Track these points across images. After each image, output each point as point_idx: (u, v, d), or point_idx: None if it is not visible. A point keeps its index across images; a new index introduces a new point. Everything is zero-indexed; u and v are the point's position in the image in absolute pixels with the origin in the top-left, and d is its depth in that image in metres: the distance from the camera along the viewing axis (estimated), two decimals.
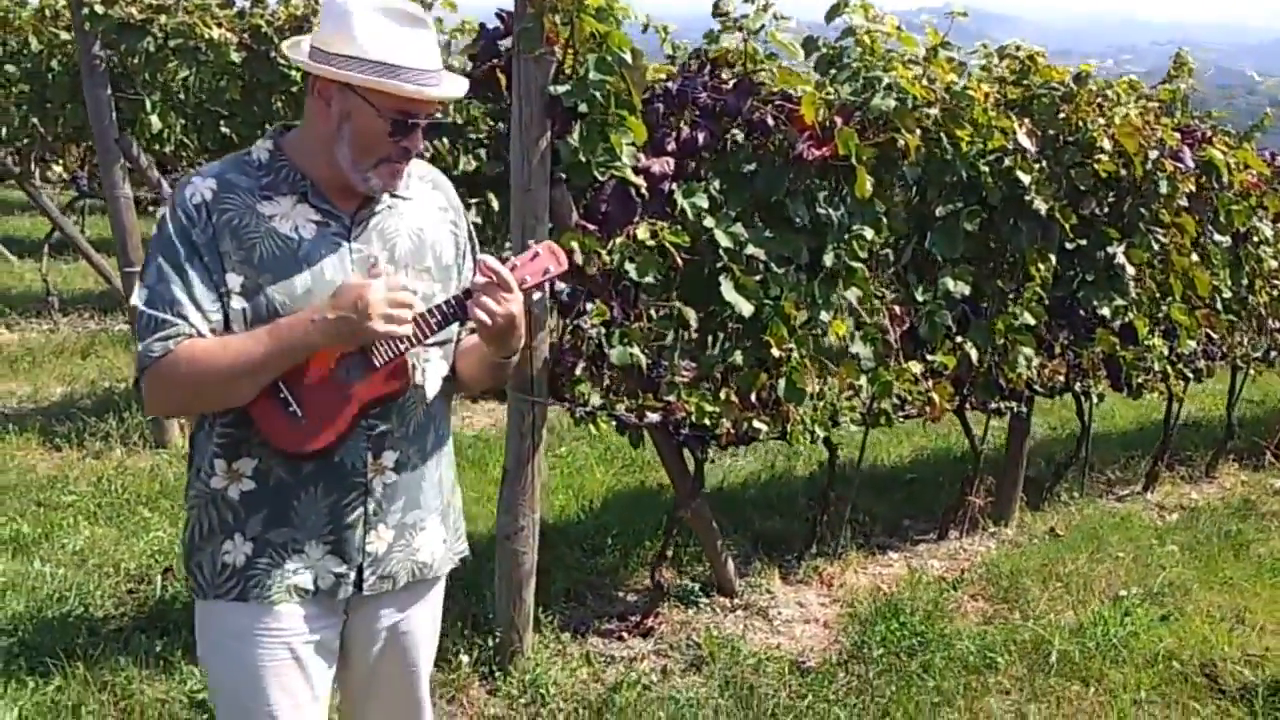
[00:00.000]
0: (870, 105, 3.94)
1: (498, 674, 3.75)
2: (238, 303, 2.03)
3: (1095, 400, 5.22)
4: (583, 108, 3.39)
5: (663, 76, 3.78)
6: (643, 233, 3.56)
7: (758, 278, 3.84)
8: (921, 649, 4.04)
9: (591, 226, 3.54)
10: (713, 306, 3.83)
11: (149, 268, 2.03)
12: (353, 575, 2.16)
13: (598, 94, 3.37)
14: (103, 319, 8.47)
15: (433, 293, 2.16)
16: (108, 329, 8.13)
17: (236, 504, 2.10)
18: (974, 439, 5.04)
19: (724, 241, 3.74)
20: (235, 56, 5.73)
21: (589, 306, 3.57)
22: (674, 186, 3.70)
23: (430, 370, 2.22)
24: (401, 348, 2.06)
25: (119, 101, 5.72)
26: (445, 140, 5.70)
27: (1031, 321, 4.68)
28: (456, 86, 2.14)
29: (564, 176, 3.48)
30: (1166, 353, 5.28)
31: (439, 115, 2.20)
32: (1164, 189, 4.80)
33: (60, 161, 10.37)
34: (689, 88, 3.74)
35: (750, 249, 3.81)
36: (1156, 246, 4.99)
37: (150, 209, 8.70)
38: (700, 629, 4.16)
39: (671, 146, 3.71)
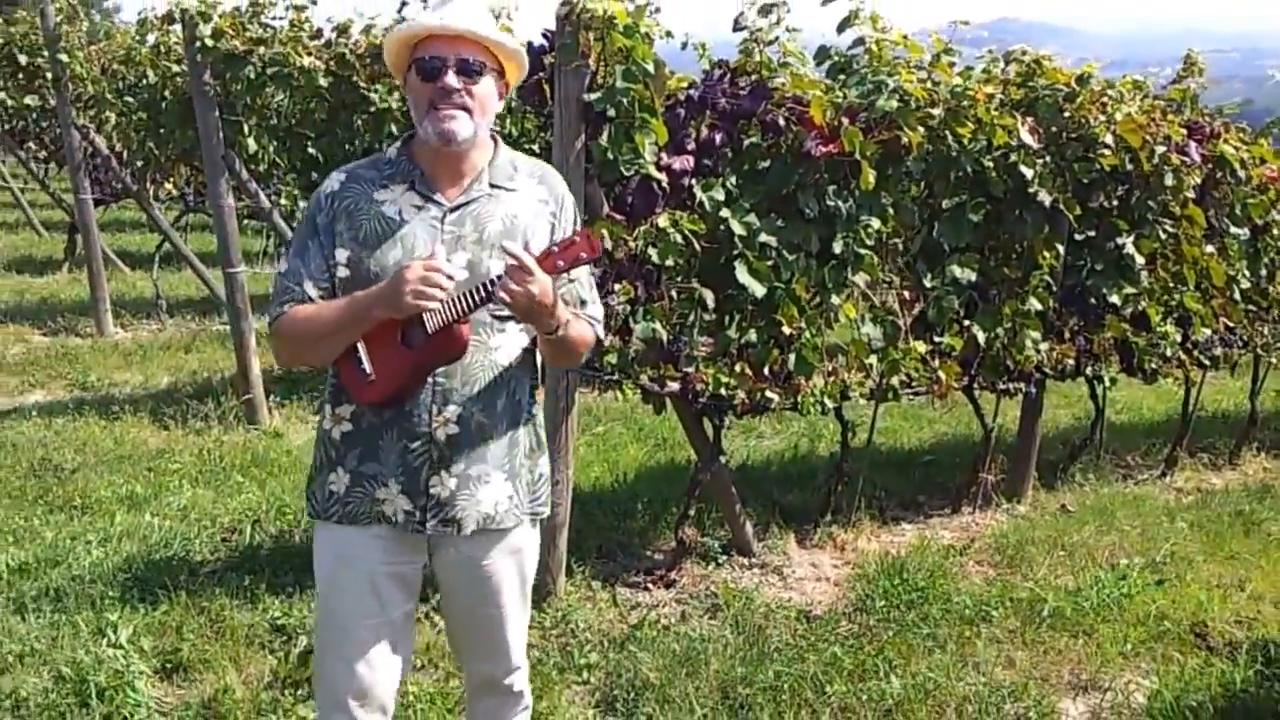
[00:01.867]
0: (875, 106, 4.38)
1: (533, 611, 4.24)
2: (343, 272, 2.46)
3: (1108, 384, 5.52)
4: (611, 112, 3.90)
5: (684, 84, 4.26)
6: (664, 221, 4.04)
7: (770, 263, 4.29)
8: (921, 602, 4.42)
9: (619, 216, 4.03)
10: (729, 289, 4.30)
11: (291, 244, 2.55)
12: (419, 515, 2.49)
13: (624, 100, 3.87)
14: (203, 320, 9.24)
15: None
16: (207, 328, 8.90)
17: (338, 442, 2.53)
18: (983, 417, 5.39)
19: (738, 230, 4.20)
20: (323, 82, 6.37)
21: (616, 286, 4.06)
22: (694, 181, 4.18)
23: (504, 339, 2.51)
24: (449, 318, 2.38)
25: (222, 124, 6.41)
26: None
27: (1038, 307, 5.03)
28: (465, 17, 2.40)
29: (596, 173, 3.99)
30: (1180, 340, 5.56)
31: (471, 58, 2.41)
32: (1169, 181, 5.12)
33: (170, 180, 11.23)
34: (709, 94, 4.22)
35: (763, 237, 4.27)
36: (1165, 237, 5.30)
37: (249, 221, 9.46)
38: (719, 582, 4.59)
39: (692, 146, 4.19)
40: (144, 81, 7.69)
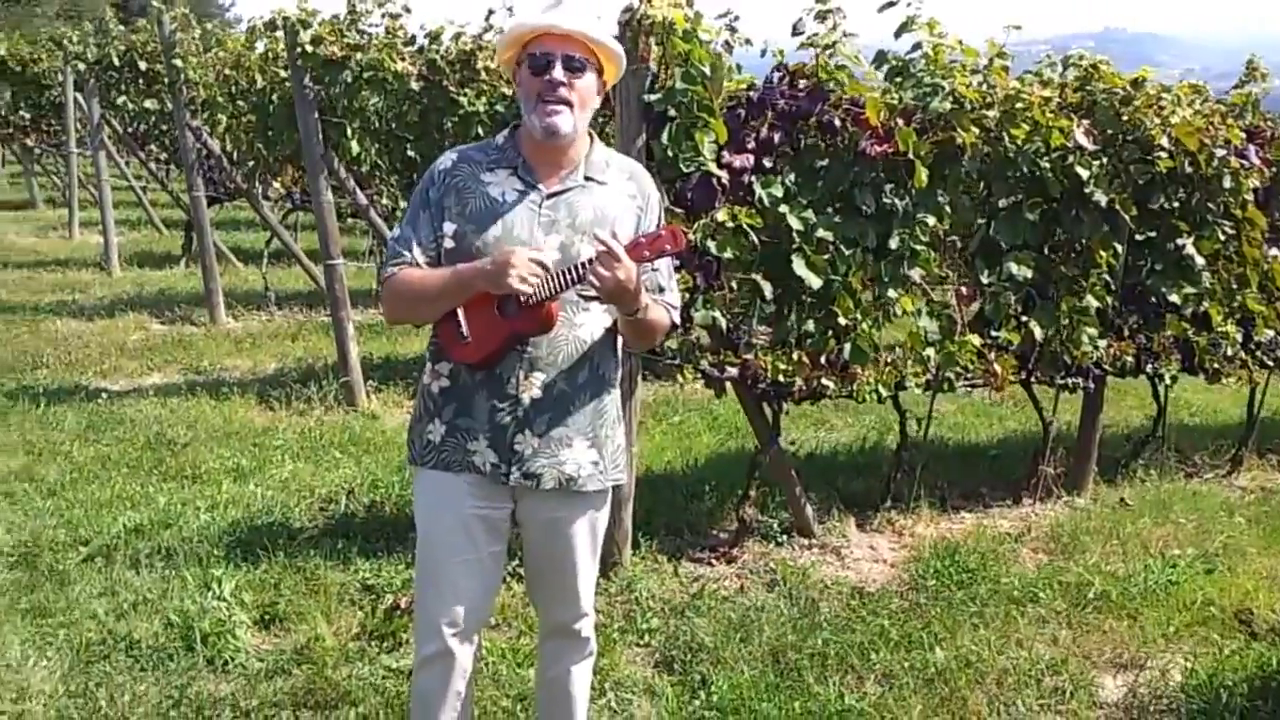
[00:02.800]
0: (929, 108, 4.59)
1: (600, 579, 4.53)
2: (449, 243, 2.75)
3: (1169, 382, 5.62)
4: (671, 112, 4.19)
5: (744, 86, 4.52)
6: (722, 215, 4.31)
7: (826, 257, 4.53)
8: (971, 583, 4.61)
9: (680, 210, 4.32)
10: (788, 281, 4.54)
11: (405, 214, 2.87)
12: (504, 468, 2.77)
13: (683, 100, 4.16)
14: (309, 312, 9.76)
15: None
16: (312, 319, 9.41)
17: (437, 396, 2.83)
18: (1042, 411, 5.54)
19: (795, 225, 4.45)
20: (415, 86, 6.77)
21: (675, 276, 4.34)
22: (754, 178, 4.44)
23: (588, 318, 2.78)
24: (542, 295, 2.68)
25: (324, 127, 6.85)
26: None
27: (1096, 304, 5.18)
28: (574, 19, 2.65)
29: (657, 169, 4.28)
30: (1242, 340, 5.64)
31: (576, 56, 2.67)
32: (1228, 184, 5.23)
33: (279, 180, 11.83)
34: (768, 95, 4.48)
35: (820, 232, 4.51)
36: (1225, 238, 5.39)
37: (350, 218, 9.97)
38: (778, 560, 4.84)
39: (752, 145, 4.45)
40: (253, 86, 8.19)
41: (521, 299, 2.65)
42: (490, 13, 7.02)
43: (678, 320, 2.99)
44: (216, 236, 10.05)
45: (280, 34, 6.81)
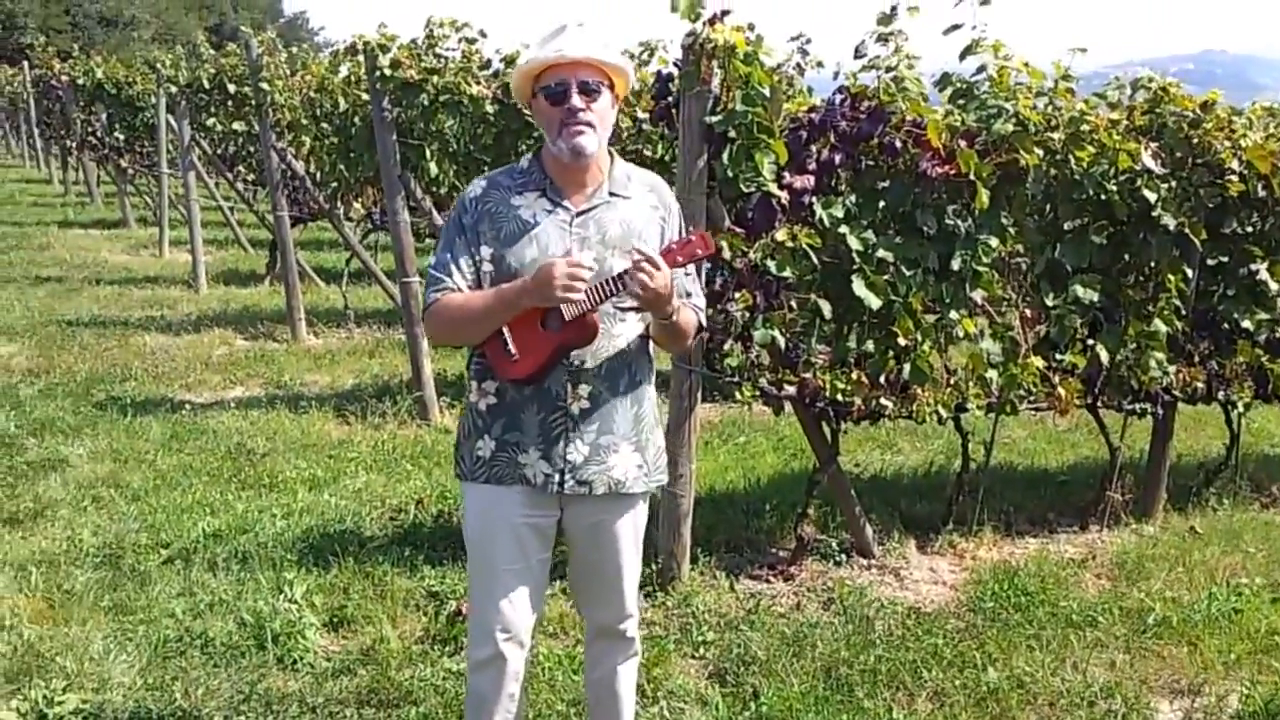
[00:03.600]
0: (991, 130, 4.61)
1: (658, 592, 4.63)
2: (487, 266, 2.87)
3: (1241, 410, 5.54)
4: (732, 133, 4.27)
5: (805, 108, 4.59)
6: (782, 235, 4.37)
7: (886, 277, 4.57)
8: (1029, 606, 4.59)
9: (740, 230, 4.40)
10: (848, 301, 4.59)
11: (440, 241, 3.00)
12: (557, 477, 2.91)
13: (743, 122, 4.24)
14: (386, 330, 9.99)
15: None
16: (390, 337, 9.64)
17: (485, 413, 2.95)
18: (1109, 436, 5.50)
19: (855, 245, 4.51)
20: (490, 109, 6.94)
21: (736, 295, 4.41)
22: (814, 199, 4.51)
23: (624, 328, 2.90)
24: (586, 307, 2.80)
25: (404, 149, 7.05)
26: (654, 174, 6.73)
27: (1164, 329, 5.13)
28: (579, 45, 2.76)
29: (718, 189, 4.37)
30: None
31: (590, 80, 2.79)
32: None
33: (360, 200, 12.14)
34: (829, 117, 4.54)
35: (880, 252, 4.56)
36: None
37: (428, 238, 10.19)
38: (836, 579, 4.86)
39: (813, 166, 4.51)
40: (336, 109, 8.45)
41: (566, 314, 2.76)
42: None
43: (704, 322, 3.10)
44: (299, 256, 10.33)
45: (361, 58, 7.03)
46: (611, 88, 2.88)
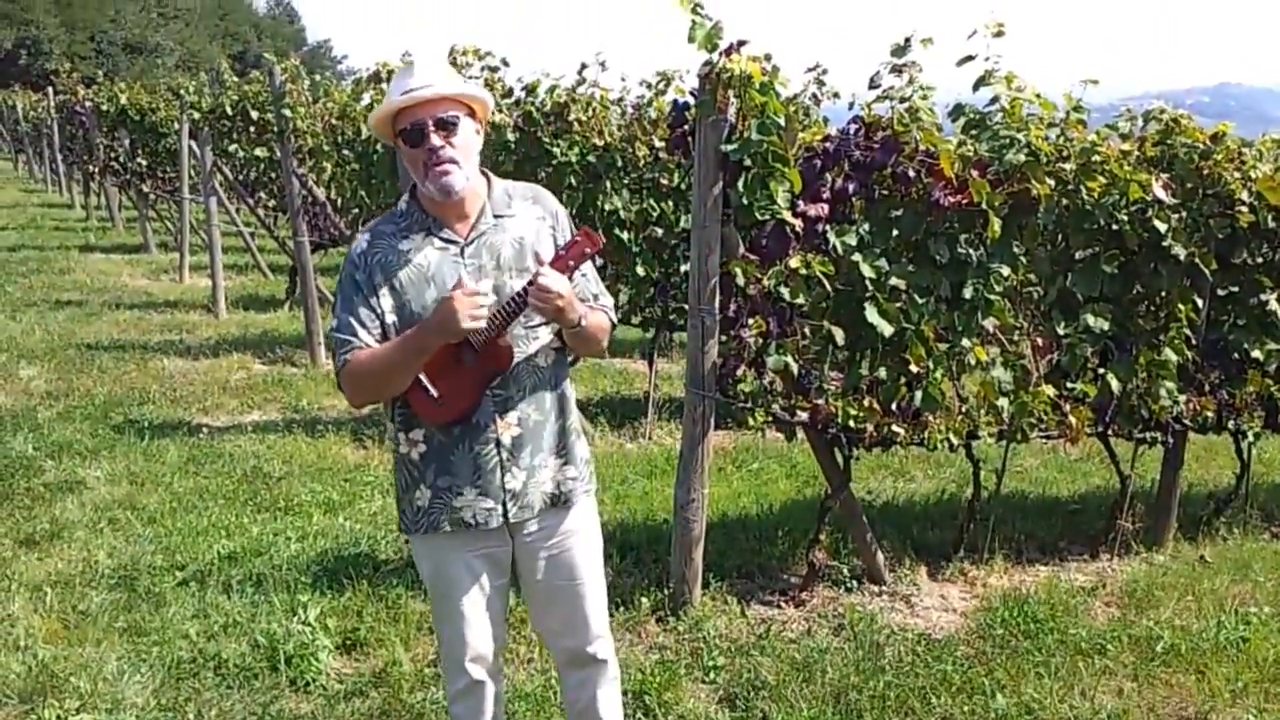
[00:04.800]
0: (1004, 160, 4.66)
1: (669, 617, 4.65)
2: (390, 317, 2.82)
3: (1252, 439, 5.55)
4: (747, 162, 4.33)
5: (820, 137, 4.64)
6: (795, 262, 4.42)
7: (899, 305, 4.61)
8: (1038, 633, 4.59)
9: (754, 257, 4.44)
10: (860, 328, 4.62)
11: (335, 303, 2.94)
12: (499, 509, 2.91)
13: (758, 151, 4.30)
14: None
15: None
16: None
17: (417, 462, 2.92)
18: (1119, 465, 5.50)
19: (868, 273, 4.54)
20: (511, 136, 7.02)
21: (749, 321, 4.45)
22: (828, 227, 4.55)
23: (538, 345, 2.91)
24: (492, 333, 2.73)
25: None
26: (670, 202, 6.79)
27: (1175, 358, 5.15)
28: (426, 82, 2.75)
29: (732, 216, 4.42)
30: None
31: (447, 115, 2.76)
32: None
33: None
34: (843, 147, 4.59)
35: (893, 280, 4.60)
36: None
37: None
38: (847, 605, 4.87)
39: (827, 194, 4.56)
40: (358, 136, 8.54)
41: (476, 345, 2.77)
42: (584, 65, 7.26)
43: (615, 320, 3.12)
44: (319, 281, 10.41)
45: (384, 86, 7.12)
46: (472, 114, 2.86)
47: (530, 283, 2.72)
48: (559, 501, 3.03)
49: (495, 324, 2.74)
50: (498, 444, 2.91)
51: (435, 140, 2.76)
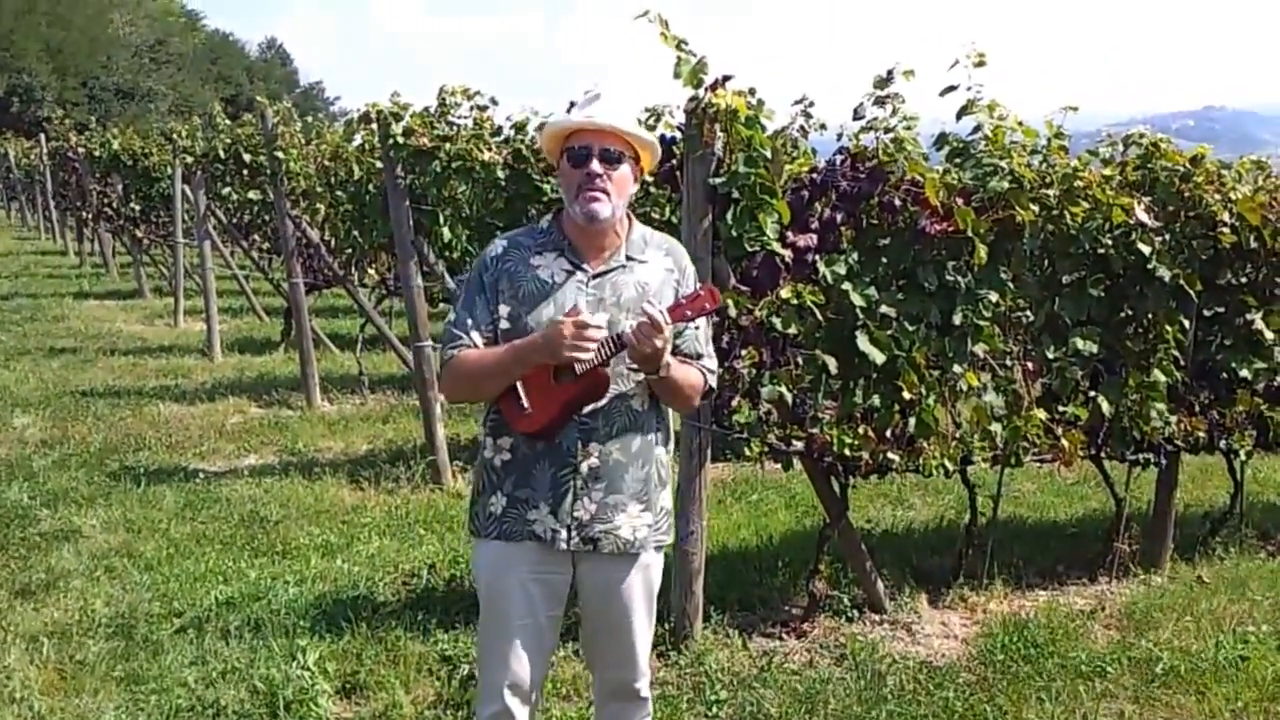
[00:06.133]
0: (988, 187, 4.70)
1: (671, 651, 4.64)
2: (504, 324, 2.97)
3: (1243, 458, 5.57)
4: (735, 194, 4.37)
5: (807, 169, 4.68)
6: (786, 293, 4.45)
7: (890, 332, 4.64)
8: (1039, 657, 4.60)
9: (745, 288, 4.47)
10: (852, 356, 4.65)
11: (459, 299, 3.08)
12: (564, 533, 2.99)
13: (746, 184, 4.34)
14: (400, 395, 10.05)
15: None
16: (404, 402, 9.69)
17: (499, 469, 3.03)
18: (1113, 487, 5.52)
19: (858, 301, 4.57)
20: (501, 174, 7.07)
21: (742, 352, 4.48)
22: (817, 257, 4.59)
23: (637, 390, 2.98)
24: (595, 364, 2.88)
25: (417, 215, 7.17)
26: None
27: (1164, 380, 5.18)
28: (608, 114, 2.90)
29: (722, 249, 4.45)
30: None
31: (612, 149, 2.93)
32: None
33: (374, 267, 12.30)
34: (830, 177, 4.63)
35: (883, 308, 4.63)
36: None
37: (441, 303, 10.31)
38: (848, 635, 4.87)
39: (815, 225, 4.60)
40: (351, 177, 8.59)
41: (577, 369, 2.84)
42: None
43: (714, 383, 3.16)
44: (314, 323, 10.45)
45: (375, 127, 7.18)
46: (636, 160, 2.98)
47: (637, 324, 2.80)
48: (629, 548, 3.05)
49: (596, 355, 2.83)
50: (575, 470, 2.96)
51: (596, 166, 2.89)
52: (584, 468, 2.97)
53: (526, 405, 2.92)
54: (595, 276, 2.98)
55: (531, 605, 3.03)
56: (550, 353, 2.80)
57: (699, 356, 3.08)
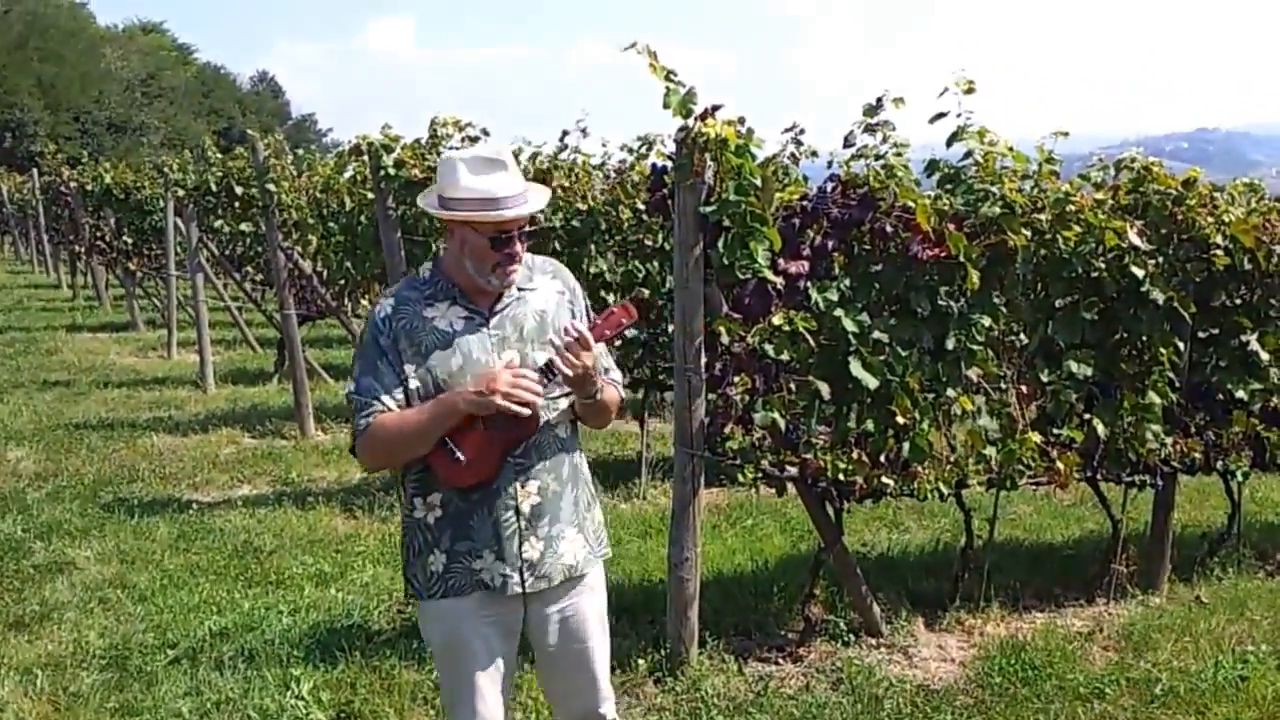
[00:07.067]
0: (979, 212, 4.73)
1: (667, 677, 4.62)
2: (413, 382, 2.87)
3: (1240, 479, 5.58)
4: (726, 222, 4.39)
5: (798, 196, 4.71)
6: (778, 319, 4.46)
7: (882, 358, 4.65)
8: (1036, 679, 4.59)
9: (737, 315, 4.49)
10: (846, 382, 4.66)
11: (355, 366, 2.98)
12: (516, 576, 2.97)
13: (736, 211, 4.36)
14: None
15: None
16: None
17: (432, 527, 2.94)
18: (1110, 508, 5.52)
19: (850, 327, 4.59)
20: None
21: (735, 379, 4.49)
22: (809, 284, 4.60)
23: (559, 417, 2.98)
24: (536, 406, 2.87)
25: (409, 246, 7.18)
26: (655, 263, 6.86)
27: (1160, 401, 5.19)
28: (535, 203, 2.91)
29: (714, 276, 4.46)
30: None
31: (532, 224, 3.00)
32: None
33: (366, 297, 12.31)
34: (821, 204, 4.66)
35: (876, 334, 4.64)
36: None
37: None
38: (845, 659, 4.85)
39: (807, 251, 4.62)
40: (342, 208, 8.62)
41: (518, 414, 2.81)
42: (565, 133, 7.35)
43: (623, 394, 3.19)
44: (308, 353, 10.44)
45: (366, 158, 7.21)
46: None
47: (563, 348, 2.81)
48: (575, 572, 3.06)
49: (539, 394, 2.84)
50: (517, 512, 2.93)
51: (518, 247, 2.89)
52: (525, 507, 2.94)
53: (462, 458, 2.85)
54: (493, 315, 2.95)
55: (489, 647, 3.01)
56: (484, 406, 2.77)
57: (606, 371, 3.10)
